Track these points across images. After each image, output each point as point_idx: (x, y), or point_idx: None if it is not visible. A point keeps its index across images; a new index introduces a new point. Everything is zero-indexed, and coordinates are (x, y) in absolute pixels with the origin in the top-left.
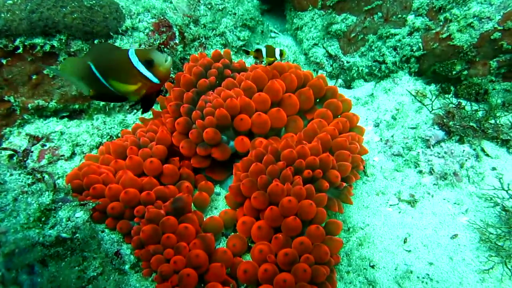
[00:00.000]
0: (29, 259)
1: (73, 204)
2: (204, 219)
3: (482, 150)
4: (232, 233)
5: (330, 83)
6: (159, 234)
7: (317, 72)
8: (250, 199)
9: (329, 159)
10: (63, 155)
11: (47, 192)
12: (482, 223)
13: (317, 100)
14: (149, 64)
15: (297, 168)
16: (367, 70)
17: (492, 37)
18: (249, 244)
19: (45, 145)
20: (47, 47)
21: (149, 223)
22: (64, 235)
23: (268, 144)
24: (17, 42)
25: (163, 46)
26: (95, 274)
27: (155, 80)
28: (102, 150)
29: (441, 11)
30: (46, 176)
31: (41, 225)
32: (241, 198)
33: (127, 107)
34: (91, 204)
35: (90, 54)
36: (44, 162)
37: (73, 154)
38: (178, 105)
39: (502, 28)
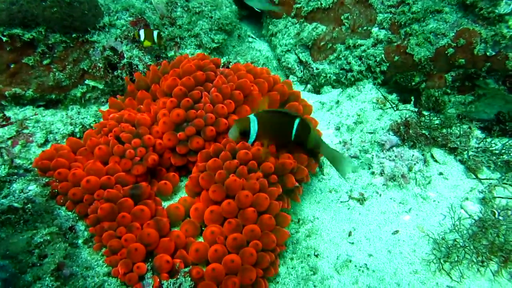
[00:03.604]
0: None
1: (27, 178)
2: (166, 206)
3: (432, 156)
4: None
5: (300, 88)
6: (115, 212)
7: (288, 77)
8: (208, 191)
9: (290, 166)
10: (36, 141)
11: (3, 166)
12: (423, 222)
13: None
14: None
15: (250, 168)
16: (334, 77)
17: (446, 52)
18: (202, 229)
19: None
20: (29, 36)
21: (107, 202)
22: (15, 204)
23: (226, 141)
24: None
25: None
26: (42, 240)
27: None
28: (87, 138)
29: (402, 26)
30: (4, 153)
31: None
32: (199, 188)
33: (103, 100)
34: (43, 179)
35: None
36: (18, 147)
37: (46, 141)
38: (185, 93)
39: (455, 44)
